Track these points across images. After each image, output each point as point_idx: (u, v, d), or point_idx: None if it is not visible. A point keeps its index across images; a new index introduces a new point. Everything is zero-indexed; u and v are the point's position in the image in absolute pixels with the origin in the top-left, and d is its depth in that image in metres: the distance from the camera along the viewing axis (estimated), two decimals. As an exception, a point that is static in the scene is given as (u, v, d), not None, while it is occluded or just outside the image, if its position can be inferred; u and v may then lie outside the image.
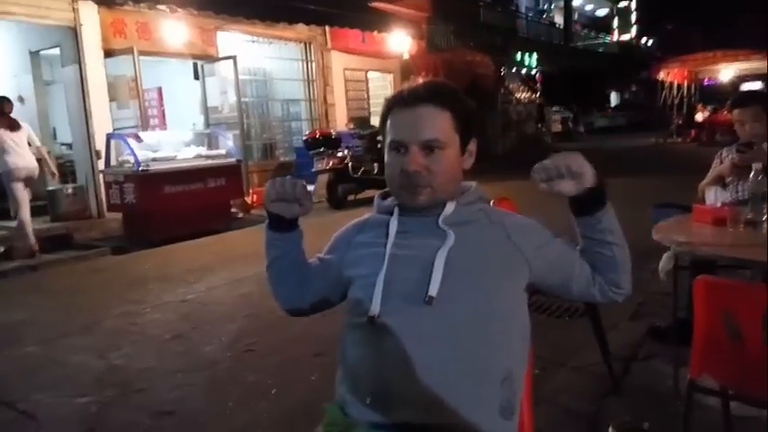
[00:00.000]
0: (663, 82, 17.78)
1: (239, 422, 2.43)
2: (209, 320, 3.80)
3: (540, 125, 19.06)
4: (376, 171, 8.50)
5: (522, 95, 17.89)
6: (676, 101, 18.78)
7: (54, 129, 8.79)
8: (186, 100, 9.45)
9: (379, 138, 1.27)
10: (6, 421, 2.59)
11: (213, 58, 9.15)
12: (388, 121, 1.18)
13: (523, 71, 19.76)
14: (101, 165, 7.19)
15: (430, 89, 1.17)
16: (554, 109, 22.26)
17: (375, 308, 1.09)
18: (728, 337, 1.48)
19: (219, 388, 2.79)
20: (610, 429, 0.40)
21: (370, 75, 12.63)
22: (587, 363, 2.75)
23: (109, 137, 7.01)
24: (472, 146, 1.21)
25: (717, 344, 1.48)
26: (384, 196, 1.28)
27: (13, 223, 6.75)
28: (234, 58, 8.84)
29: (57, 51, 7.67)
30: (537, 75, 21.40)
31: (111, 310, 4.14)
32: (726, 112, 15.71)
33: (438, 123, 1.14)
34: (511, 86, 17.34)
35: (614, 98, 35.69)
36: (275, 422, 2.39)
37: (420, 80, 1.20)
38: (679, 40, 26.07)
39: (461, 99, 1.19)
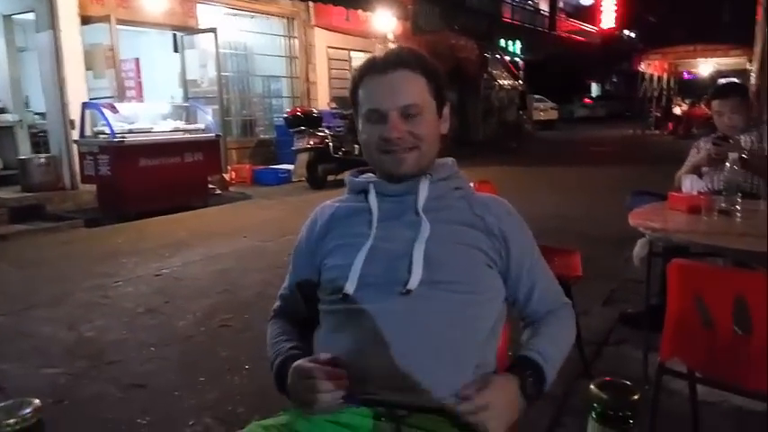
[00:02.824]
0: (643, 74, 17.96)
1: (211, 396, 2.41)
2: (184, 295, 3.76)
3: (521, 112, 19.11)
4: (357, 152, 8.44)
5: (505, 82, 17.88)
6: (655, 93, 19.00)
7: (27, 97, 8.53)
8: (164, 72, 9.25)
9: None
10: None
11: (193, 30, 8.95)
12: (361, 90, 1.15)
13: (507, 58, 19.74)
14: (75, 135, 7.00)
15: (403, 54, 1.15)
16: (536, 97, 22.34)
17: (350, 288, 1.07)
18: (702, 322, 1.50)
19: (192, 362, 2.77)
20: (591, 387, 0.40)
21: (354, 54, 12.51)
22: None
23: (84, 106, 6.83)
24: (446, 110, 1.19)
25: (688, 327, 1.51)
26: (356, 174, 1.25)
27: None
28: (214, 30, 8.66)
29: (31, 16, 7.41)
30: (520, 62, 21.41)
31: (83, 282, 4.07)
32: (703, 106, 16.02)
33: (414, 88, 1.12)
34: (494, 72, 17.31)
35: (595, 88, 35.94)
36: (247, 397, 2.38)
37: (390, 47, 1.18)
38: (661, 32, 26.30)
39: (433, 64, 1.17)
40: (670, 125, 18.52)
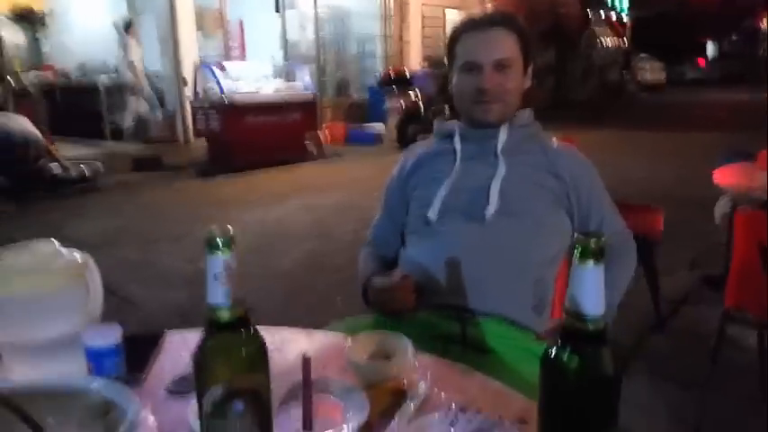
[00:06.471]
0: (765, 32, 16.33)
1: (309, 321, 2.73)
2: (284, 239, 4.16)
3: (624, 72, 18.10)
4: (447, 112, 8.51)
5: (608, 40, 16.96)
6: (780, 53, 17.25)
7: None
8: (266, 33, 9.68)
9: None
10: (110, 305, 3.02)
11: (294, -9, 9.27)
12: (459, 45, 1.32)
13: (612, 14, 18.64)
14: (187, 92, 7.61)
15: (499, 14, 1.34)
16: (643, 56, 20.92)
17: (433, 215, 1.28)
18: (765, 271, 1.58)
19: (293, 294, 3.14)
20: (575, 235, 0.54)
21: (448, 11, 12.35)
22: (638, 303, 2.86)
23: (197, 65, 7.38)
24: (530, 69, 1.35)
25: (752, 275, 1.59)
26: (443, 121, 1.44)
27: (110, 143, 7.40)
28: (314, -9, 8.93)
29: (149, -19, 8.03)
30: (626, 19, 20.12)
31: (197, 224, 4.56)
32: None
33: (508, 45, 1.29)
34: (596, 29, 16.46)
35: (711, 48, 33.00)
36: (340, 325, 2.69)
37: (487, 7, 1.34)
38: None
39: (524, 25, 1.33)
40: (794, 88, 16.80)
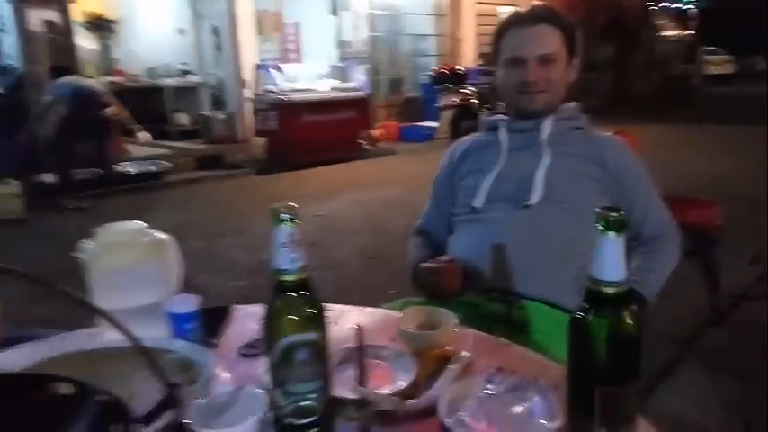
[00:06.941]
0: None
1: (362, 312, 2.85)
2: (339, 233, 4.29)
3: (689, 66, 17.33)
4: (498, 108, 8.47)
5: (672, 33, 16.30)
6: None
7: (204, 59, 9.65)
8: (321, 34, 9.89)
9: None
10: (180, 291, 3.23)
11: (349, -8, 9.43)
12: (504, 40, 1.38)
13: (676, 5, 17.90)
14: (246, 93, 7.89)
15: (544, 11, 1.37)
16: (710, 49, 19.98)
17: (479, 203, 1.34)
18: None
19: (346, 286, 3.25)
20: (598, 209, 0.59)
21: (501, 9, 12.22)
22: (696, 297, 2.81)
23: (256, 67, 7.66)
24: (575, 62, 1.40)
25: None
26: (489, 115, 1.50)
27: (175, 143, 7.76)
28: (368, -9, 9.05)
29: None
30: (691, 10, 19.28)
31: (257, 218, 4.76)
32: None
33: (552, 40, 1.34)
34: (659, 22, 15.85)
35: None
36: (393, 315, 2.78)
37: (532, 4, 1.39)
38: None
39: (569, 21, 1.38)
40: None
